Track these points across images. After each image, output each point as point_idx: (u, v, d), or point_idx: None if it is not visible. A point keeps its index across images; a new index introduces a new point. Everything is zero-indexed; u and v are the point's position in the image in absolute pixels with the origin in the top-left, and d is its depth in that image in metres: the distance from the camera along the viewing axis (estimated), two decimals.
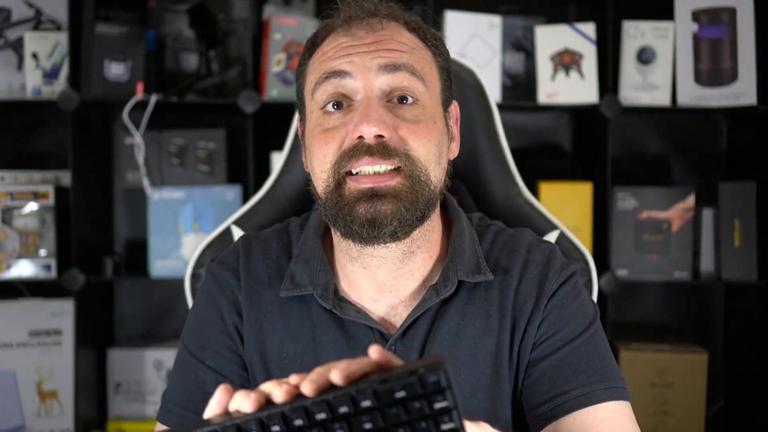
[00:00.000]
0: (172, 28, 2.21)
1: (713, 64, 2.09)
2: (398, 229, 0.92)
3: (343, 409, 0.65)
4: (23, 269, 2.06)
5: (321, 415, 0.65)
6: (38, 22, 2.17)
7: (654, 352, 2.09)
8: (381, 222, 0.91)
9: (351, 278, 1.00)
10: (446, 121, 1.00)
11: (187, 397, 0.99)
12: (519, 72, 2.23)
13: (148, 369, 2.19)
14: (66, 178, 2.15)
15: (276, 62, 2.08)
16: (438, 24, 2.14)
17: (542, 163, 2.32)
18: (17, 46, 2.15)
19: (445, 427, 0.64)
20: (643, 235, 2.11)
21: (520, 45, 2.23)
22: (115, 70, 2.04)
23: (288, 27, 2.09)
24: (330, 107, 0.95)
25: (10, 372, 2.11)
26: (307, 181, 1.02)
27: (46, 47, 2.11)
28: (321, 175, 0.95)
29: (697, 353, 2.09)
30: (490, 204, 1.29)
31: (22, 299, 2.15)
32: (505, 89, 2.18)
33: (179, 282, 1.92)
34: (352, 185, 0.92)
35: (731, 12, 2.07)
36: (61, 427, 2.12)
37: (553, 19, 2.25)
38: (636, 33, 2.10)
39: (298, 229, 1.08)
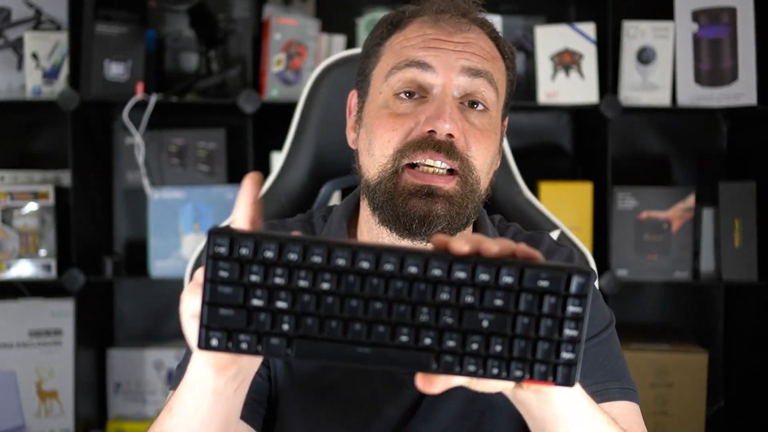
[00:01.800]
0: (172, 28, 2.21)
1: (713, 64, 2.09)
2: (446, 230, 0.93)
3: (483, 277, 0.64)
4: (23, 269, 2.06)
5: (460, 274, 0.64)
6: (38, 22, 2.17)
7: (654, 352, 2.09)
8: (432, 221, 0.92)
9: None
10: (500, 134, 1.02)
11: None
12: (519, 72, 2.22)
13: (148, 369, 2.19)
14: (66, 178, 2.15)
15: (276, 62, 2.08)
16: None
17: (542, 163, 2.32)
18: (17, 46, 2.15)
19: (567, 333, 0.65)
20: (643, 235, 2.11)
21: (520, 45, 2.23)
22: (115, 70, 2.04)
23: (288, 27, 2.09)
24: (402, 94, 0.95)
25: (10, 372, 2.11)
26: (352, 159, 1.02)
27: (46, 47, 2.11)
28: (380, 159, 0.95)
29: (697, 353, 2.09)
30: (492, 204, 1.29)
31: (22, 299, 2.15)
32: None
33: (179, 282, 1.92)
34: (410, 179, 0.93)
35: (731, 12, 2.07)
36: (61, 427, 2.12)
37: (553, 19, 2.25)
38: (636, 33, 2.10)
39: (321, 221, 1.08)
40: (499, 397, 0.97)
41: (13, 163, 2.23)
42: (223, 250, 0.64)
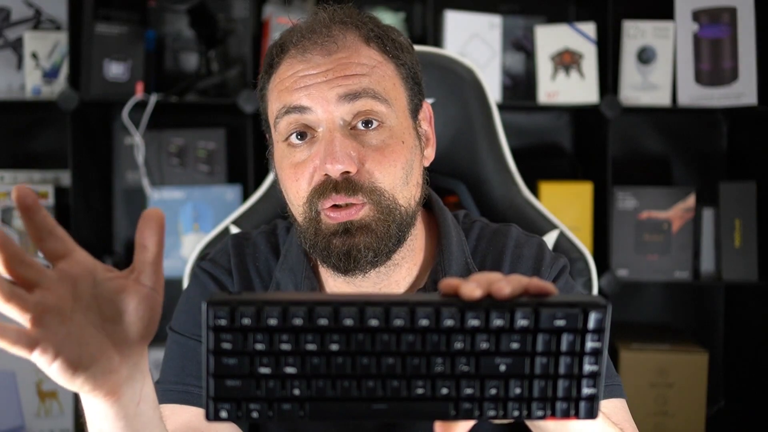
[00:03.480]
0: (172, 28, 2.21)
1: (713, 64, 2.09)
2: (375, 258, 0.92)
3: (497, 322, 0.62)
4: None
5: (474, 322, 0.62)
6: (38, 21, 2.17)
7: (654, 352, 2.09)
8: (356, 255, 0.91)
9: (336, 289, 1.00)
10: (417, 131, 0.98)
11: (187, 373, 0.98)
12: (519, 72, 2.23)
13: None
14: (66, 178, 2.15)
15: None
16: (438, 24, 2.14)
17: (542, 163, 2.32)
18: (17, 45, 2.15)
19: (587, 368, 0.63)
20: (643, 235, 2.11)
21: (520, 45, 2.23)
22: (115, 70, 2.04)
23: (288, 27, 2.08)
24: (294, 138, 0.93)
25: (10, 372, 2.11)
26: (284, 202, 1.01)
27: (45, 47, 2.11)
28: (298, 209, 0.95)
29: (697, 353, 2.09)
30: (490, 203, 1.29)
31: None
32: (505, 89, 2.18)
33: (179, 282, 1.92)
34: (327, 221, 0.92)
35: (731, 12, 2.07)
36: (61, 427, 2.12)
37: (553, 18, 2.25)
38: (636, 33, 2.10)
39: (285, 232, 1.08)
40: None
41: (13, 163, 2.23)
42: (224, 322, 0.61)
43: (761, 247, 2.07)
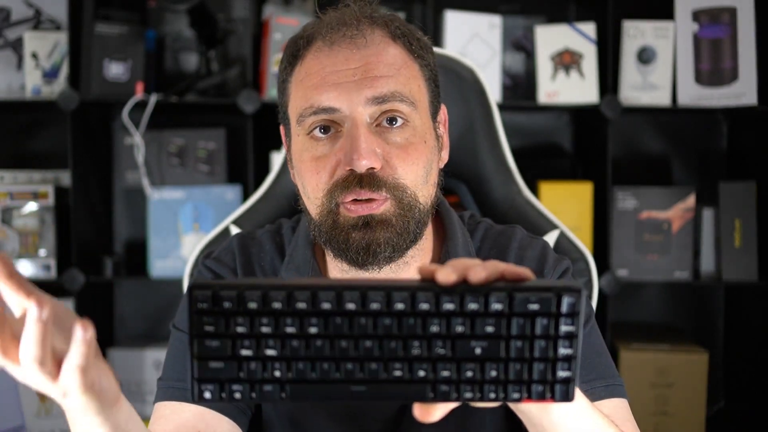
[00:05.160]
0: (172, 28, 2.21)
1: (713, 64, 2.09)
2: (393, 254, 0.93)
3: (472, 306, 0.64)
4: (23, 269, 2.06)
5: (449, 306, 0.64)
6: (38, 21, 2.17)
7: (654, 352, 2.09)
8: (375, 250, 0.91)
9: None
10: (436, 132, 0.99)
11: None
12: (519, 72, 2.23)
13: (148, 369, 2.19)
14: (66, 178, 2.15)
15: (276, 62, 2.08)
16: (438, 24, 2.14)
17: (542, 163, 2.32)
18: (17, 45, 2.15)
19: (562, 351, 0.64)
20: (643, 235, 2.11)
21: (520, 45, 2.23)
22: (115, 69, 2.04)
23: (288, 27, 2.09)
24: (318, 132, 0.93)
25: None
26: (296, 194, 1.01)
27: (45, 47, 2.11)
28: (315, 201, 0.94)
29: (697, 353, 2.09)
30: (491, 203, 1.29)
31: None
32: (505, 89, 2.18)
33: (179, 282, 1.92)
34: (346, 214, 0.92)
35: (731, 12, 2.07)
36: (61, 427, 2.12)
37: (553, 18, 2.25)
38: (636, 33, 2.10)
39: (290, 231, 1.08)
40: None
41: (13, 163, 2.23)
42: (206, 305, 0.63)
43: (761, 247, 2.08)
